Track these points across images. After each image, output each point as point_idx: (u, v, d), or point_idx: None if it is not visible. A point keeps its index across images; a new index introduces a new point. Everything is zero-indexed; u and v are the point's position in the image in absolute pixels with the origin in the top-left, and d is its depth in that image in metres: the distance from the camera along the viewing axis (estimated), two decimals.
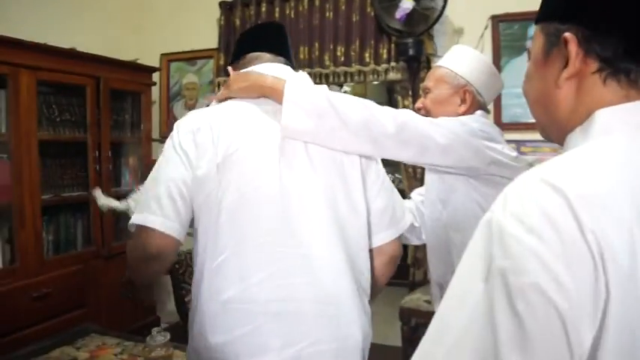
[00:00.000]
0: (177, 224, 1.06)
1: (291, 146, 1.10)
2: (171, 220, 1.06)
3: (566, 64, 0.63)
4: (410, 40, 2.83)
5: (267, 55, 1.24)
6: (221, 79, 3.52)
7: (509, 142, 3.02)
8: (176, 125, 1.13)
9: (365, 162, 1.17)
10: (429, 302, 2.72)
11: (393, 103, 3.22)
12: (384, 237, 1.20)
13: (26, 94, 2.54)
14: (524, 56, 3.00)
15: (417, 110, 1.51)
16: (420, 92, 1.62)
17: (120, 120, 3.31)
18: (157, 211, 1.05)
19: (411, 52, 2.84)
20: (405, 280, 4.16)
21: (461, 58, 1.54)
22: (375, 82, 3.20)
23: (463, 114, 1.48)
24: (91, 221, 2.99)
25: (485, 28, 3.00)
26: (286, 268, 1.07)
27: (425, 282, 3.10)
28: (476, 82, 1.52)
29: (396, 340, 3.28)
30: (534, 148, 3.00)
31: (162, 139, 3.87)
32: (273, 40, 1.26)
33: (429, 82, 1.55)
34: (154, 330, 1.45)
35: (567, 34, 0.62)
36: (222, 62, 3.52)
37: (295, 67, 1.28)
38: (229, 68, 1.25)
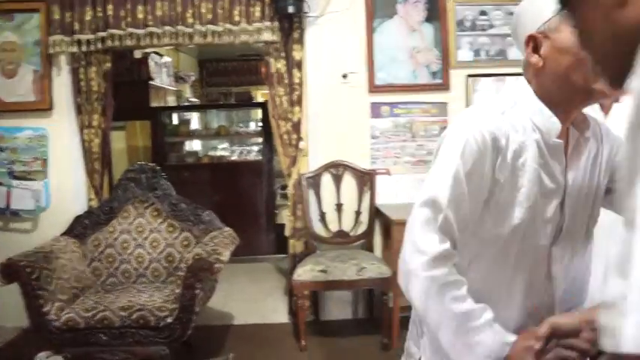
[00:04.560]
0: None
1: None
2: None
3: None
4: None
5: None
6: (56, 37, 2.90)
7: (383, 104, 3.12)
8: None
9: None
10: (324, 272, 2.61)
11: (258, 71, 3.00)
12: None
13: None
14: (396, 19, 3.01)
15: None
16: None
17: None
18: None
19: (290, 9, 2.64)
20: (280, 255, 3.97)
21: None
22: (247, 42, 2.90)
23: None
24: None
25: None
26: None
27: (308, 253, 2.98)
28: None
29: (281, 316, 3.16)
30: (407, 110, 3.07)
31: None
32: None
33: None
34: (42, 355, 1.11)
35: None
36: (56, 16, 2.89)
37: None
38: None
